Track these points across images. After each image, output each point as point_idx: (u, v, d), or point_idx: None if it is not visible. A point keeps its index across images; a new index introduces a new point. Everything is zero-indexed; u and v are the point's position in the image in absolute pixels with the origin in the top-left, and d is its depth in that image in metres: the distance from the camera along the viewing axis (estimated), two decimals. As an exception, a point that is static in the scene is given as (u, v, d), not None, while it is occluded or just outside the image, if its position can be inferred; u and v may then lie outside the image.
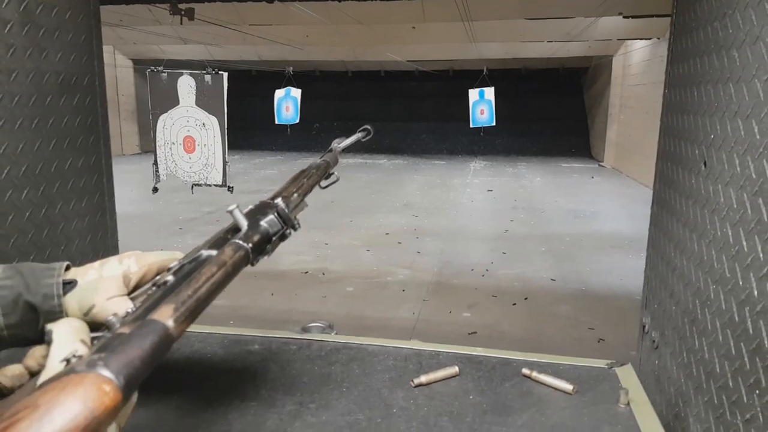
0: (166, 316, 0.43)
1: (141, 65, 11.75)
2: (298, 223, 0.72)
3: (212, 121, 4.46)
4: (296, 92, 6.88)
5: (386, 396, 0.95)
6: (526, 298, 4.04)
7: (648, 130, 8.48)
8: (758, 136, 0.83)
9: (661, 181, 1.30)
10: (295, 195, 0.78)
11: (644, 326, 1.39)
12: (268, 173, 10.41)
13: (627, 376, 1.00)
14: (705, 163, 1.02)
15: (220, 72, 4.46)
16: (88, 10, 1.72)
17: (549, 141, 12.89)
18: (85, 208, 1.79)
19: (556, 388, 0.96)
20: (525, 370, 1.00)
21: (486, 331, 3.50)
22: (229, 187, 4.33)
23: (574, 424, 0.86)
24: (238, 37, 6.75)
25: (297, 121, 6.72)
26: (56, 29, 1.59)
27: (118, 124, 12.55)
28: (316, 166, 0.94)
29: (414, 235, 5.91)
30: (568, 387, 0.95)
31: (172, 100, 4.46)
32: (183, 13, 5.34)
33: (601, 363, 1.04)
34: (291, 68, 11.15)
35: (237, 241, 0.59)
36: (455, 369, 1.01)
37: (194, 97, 4.52)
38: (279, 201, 0.68)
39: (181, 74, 4.52)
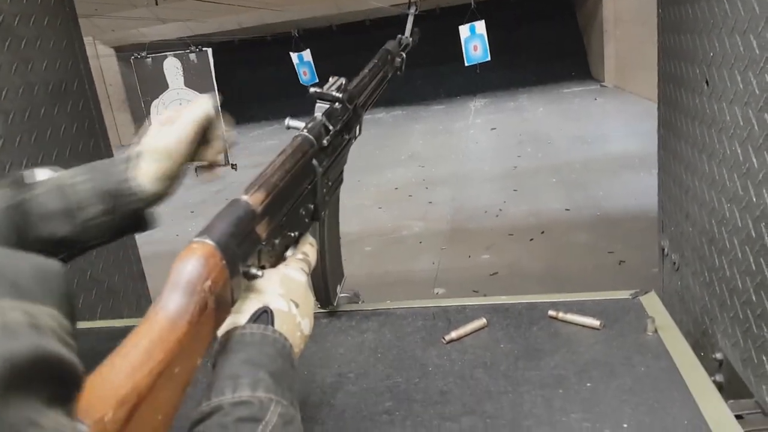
0: (245, 194, 0.58)
1: (123, 52, 11.55)
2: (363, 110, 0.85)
3: (205, 101, 4.41)
4: (308, 56, 7.27)
5: (420, 356, 0.98)
6: (542, 232, 4.06)
7: (645, 43, 8.22)
8: (757, 51, 0.81)
9: (665, 103, 1.28)
10: (355, 84, 0.87)
11: (663, 249, 1.41)
12: (269, 144, 10.34)
13: (652, 303, 1.02)
14: (707, 82, 1.00)
15: (203, 48, 4.37)
16: (65, 13, 1.70)
17: (547, 68, 12.54)
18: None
19: (583, 326, 0.99)
20: (551, 312, 1.03)
21: (507, 270, 3.54)
22: (232, 165, 4.32)
23: (606, 358, 0.89)
24: (216, 8, 6.60)
25: (317, 80, 6.93)
26: (37, 38, 1.58)
27: (112, 115, 12.46)
28: (378, 57, 1.01)
29: (423, 186, 5.90)
30: (596, 323, 0.97)
31: (161, 85, 4.40)
32: (156, -7, 5.20)
33: (624, 294, 1.06)
34: (296, 30, 10.96)
35: (300, 132, 0.70)
36: (483, 321, 1.04)
37: (182, 78, 4.47)
38: (339, 94, 0.75)
39: (166, 57, 4.45)
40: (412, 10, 1.12)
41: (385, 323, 1.10)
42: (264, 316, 0.57)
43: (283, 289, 0.60)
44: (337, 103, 0.74)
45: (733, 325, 1.05)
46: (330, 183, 0.74)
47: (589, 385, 0.84)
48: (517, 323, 1.03)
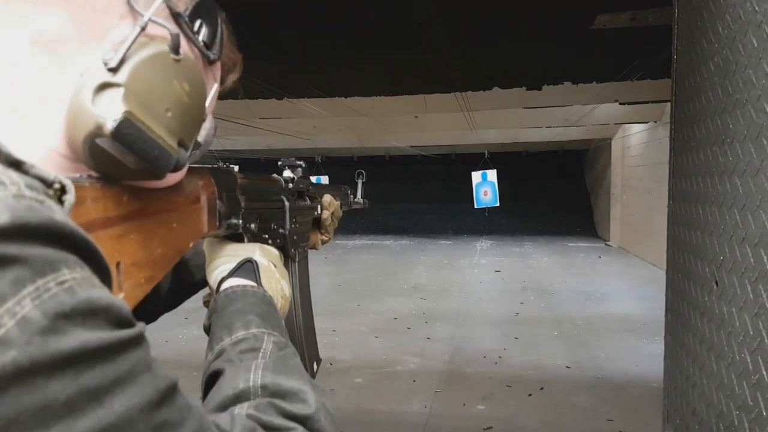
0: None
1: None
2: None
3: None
4: (325, 180, 7.98)
5: None
6: (541, 388, 3.93)
7: (652, 210, 8.56)
8: (768, 267, 0.85)
9: (673, 292, 1.31)
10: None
11: (669, 440, 1.35)
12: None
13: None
14: (717, 283, 1.04)
15: (230, 165, 4.60)
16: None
17: (554, 220, 12.95)
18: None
19: None
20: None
21: (502, 425, 3.38)
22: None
23: None
24: (249, 130, 7.03)
25: None
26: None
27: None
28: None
29: (423, 320, 5.83)
30: None
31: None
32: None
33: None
34: (320, 156, 11.72)
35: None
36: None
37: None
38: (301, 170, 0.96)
39: (194, 167, 4.70)
40: (361, 179, 1.45)
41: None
42: (248, 265, 0.67)
43: (263, 252, 0.71)
44: (299, 170, 0.94)
45: None
46: (297, 225, 0.88)
47: None
48: None
